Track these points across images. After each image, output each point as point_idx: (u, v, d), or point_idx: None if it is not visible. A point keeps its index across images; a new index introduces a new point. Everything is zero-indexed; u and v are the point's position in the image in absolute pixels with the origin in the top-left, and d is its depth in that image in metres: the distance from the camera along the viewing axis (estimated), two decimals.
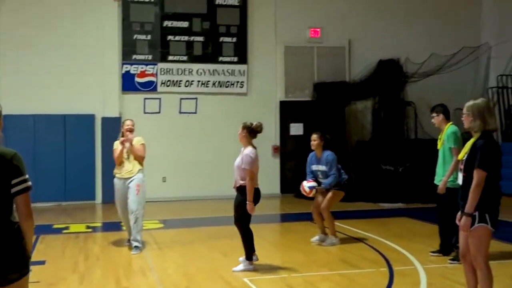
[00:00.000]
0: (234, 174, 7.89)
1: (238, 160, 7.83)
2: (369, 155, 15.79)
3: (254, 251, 8.04)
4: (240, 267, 7.81)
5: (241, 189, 7.77)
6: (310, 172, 9.71)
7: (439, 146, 8.42)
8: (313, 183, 9.41)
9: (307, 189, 9.36)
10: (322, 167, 9.53)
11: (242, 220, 7.82)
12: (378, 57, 16.43)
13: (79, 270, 8.02)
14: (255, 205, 7.78)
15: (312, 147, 9.65)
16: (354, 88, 16.61)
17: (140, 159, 9.39)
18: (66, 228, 11.55)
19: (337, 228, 9.85)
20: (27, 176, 3.69)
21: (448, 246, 8.33)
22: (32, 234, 3.81)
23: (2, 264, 3.55)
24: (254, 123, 7.91)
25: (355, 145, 16.53)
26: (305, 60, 17.10)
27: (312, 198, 9.92)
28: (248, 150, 7.80)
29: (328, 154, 9.51)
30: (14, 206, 3.67)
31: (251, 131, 7.89)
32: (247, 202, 7.64)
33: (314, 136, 9.62)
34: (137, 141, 9.42)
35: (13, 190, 3.62)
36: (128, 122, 9.58)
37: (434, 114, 8.54)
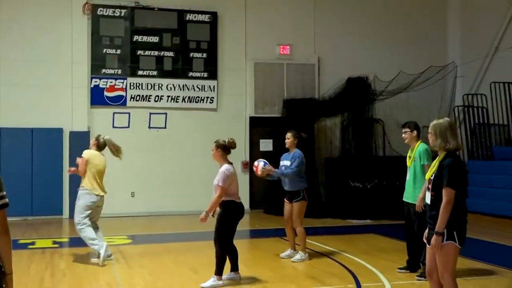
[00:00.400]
0: (213, 193, 7.88)
1: (215, 179, 7.84)
2: (337, 172, 15.90)
3: (237, 269, 8.05)
4: (209, 282, 7.78)
5: (221, 204, 7.80)
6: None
7: (409, 164, 8.43)
8: (263, 159, 9.45)
9: (256, 163, 9.38)
10: (287, 162, 9.61)
11: (220, 234, 7.80)
12: (347, 74, 16.63)
13: (45, 286, 7.91)
14: (237, 220, 7.88)
15: (286, 145, 9.75)
16: (323, 105, 16.74)
17: (79, 174, 9.53)
18: (32, 243, 11.40)
19: (306, 244, 9.85)
20: (4, 193, 3.65)
21: (415, 263, 8.40)
22: (10, 250, 3.72)
23: None
24: (227, 140, 7.93)
25: (324, 162, 16.63)
26: (275, 76, 17.21)
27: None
28: (224, 167, 7.83)
29: (296, 152, 9.63)
30: None
31: (225, 148, 7.92)
32: (204, 212, 7.69)
33: (288, 135, 9.74)
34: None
35: None
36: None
37: (407, 130, 8.47)
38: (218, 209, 7.93)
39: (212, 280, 7.77)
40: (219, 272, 7.80)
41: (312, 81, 17.41)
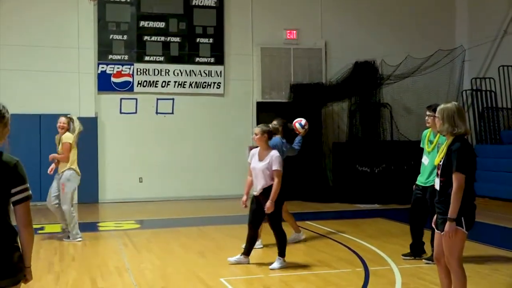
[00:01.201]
0: (257, 178, 7.93)
1: (262, 164, 7.88)
2: (345, 156, 15.88)
3: (248, 254, 8.14)
4: (276, 264, 7.88)
5: (269, 191, 7.83)
6: None
7: (429, 149, 7.98)
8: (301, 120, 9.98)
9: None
10: None
11: (278, 219, 7.95)
12: (354, 59, 16.52)
13: (55, 271, 7.96)
14: (281, 205, 8.00)
15: None
16: (330, 90, 16.67)
17: (62, 160, 9.84)
18: (41, 228, 11.47)
19: (314, 229, 9.88)
20: (28, 185, 3.65)
21: (419, 247, 8.36)
22: (32, 243, 3.72)
23: None
24: (271, 126, 8.24)
25: (332, 146, 16.61)
26: (281, 61, 17.15)
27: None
28: (275, 152, 7.92)
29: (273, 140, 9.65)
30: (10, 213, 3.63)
31: (270, 133, 8.07)
32: (269, 200, 7.75)
33: (273, 122, 9.78)
34: (64, 138, 9.84)
35: (14, 198, 3.58)
36: (60, 119, 9.93)
37: (432, 114, 7.67)
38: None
39: (280, 261, 7.92)
40: (284, 253, 7.96)
41: (319, 66, 17.35)
